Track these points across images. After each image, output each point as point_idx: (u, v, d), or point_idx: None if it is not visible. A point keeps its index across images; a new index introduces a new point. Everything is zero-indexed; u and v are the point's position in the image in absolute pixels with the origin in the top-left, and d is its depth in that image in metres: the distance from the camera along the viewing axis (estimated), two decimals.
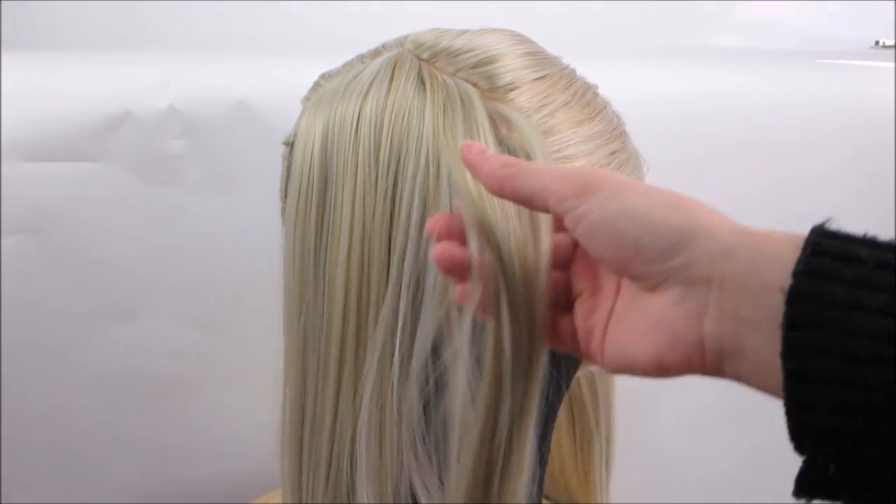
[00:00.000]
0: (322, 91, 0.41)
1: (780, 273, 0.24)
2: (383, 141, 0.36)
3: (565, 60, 0.42)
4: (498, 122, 0.36)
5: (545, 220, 0.32)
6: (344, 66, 0.43)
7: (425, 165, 0.35)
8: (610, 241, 0.28)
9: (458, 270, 0.31)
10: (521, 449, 0.33)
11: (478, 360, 0.31)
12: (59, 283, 0.67)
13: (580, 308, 0.32)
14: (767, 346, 0.24)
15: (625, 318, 0.30)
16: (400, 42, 0.41)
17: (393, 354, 0.36)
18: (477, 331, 0.31)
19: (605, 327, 0.30)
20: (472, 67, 0.38)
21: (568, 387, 0.41)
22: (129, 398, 0.71)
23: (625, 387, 0.55)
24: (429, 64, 0.39)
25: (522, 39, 0.40)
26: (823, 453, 0.24)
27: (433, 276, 0.35)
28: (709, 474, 0.76)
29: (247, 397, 0.71)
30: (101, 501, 0.73)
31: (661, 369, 0.28)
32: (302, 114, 0.42)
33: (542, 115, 0.38)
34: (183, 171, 0.67)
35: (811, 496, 0.24)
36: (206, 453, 0.73)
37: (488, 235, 0.30)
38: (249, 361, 0.69)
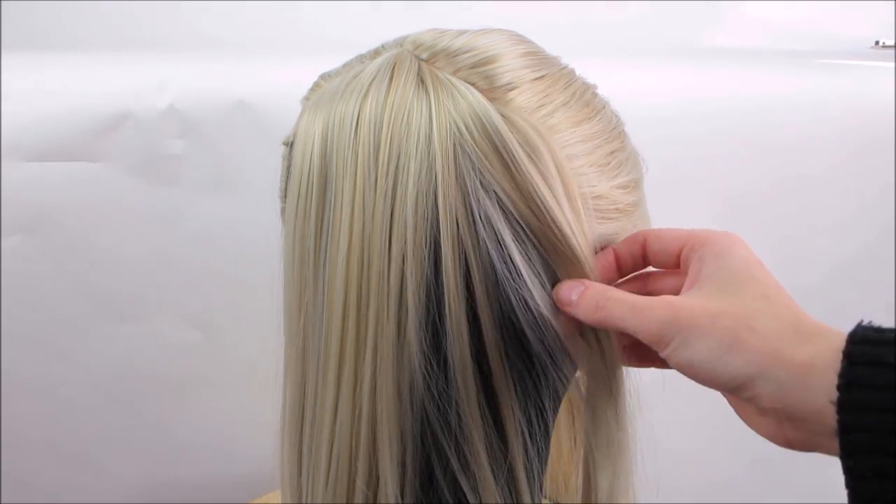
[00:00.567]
0: (322, 91, 0.41)
1: (827, 392, 0.30)
2: (383, 141, 0.36)
3: (565, 60, 0.42)
4: (508, 121, 0.36)
5: None
6: (344, 66, 0.43)
7: (425, 165, 0.35)
8: (693, 376, 0.34)
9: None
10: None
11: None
12: (59, 283, 0.68)
13: None
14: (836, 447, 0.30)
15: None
16: (399, 42, 0.41)
17: (393, 355, 0.36)
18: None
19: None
20: (472, 67, 0.38)
21: (567, 387, 0.41)
22: (129, 398, 0.71)
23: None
24: (428, 64, 0.39)
25: (521, 39, 0.40)
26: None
27: (433, 276, 0.35)
28: (709, 474, 0.77)
29: (247, 397, 0.71)
30: (101, 501, 0.73)
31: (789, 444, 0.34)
32: (302, 114, 0.42)
33: (541, 115, 0.38)
34: (183, 171, 0.67)
35: None
36: (206, 453, 0.74)
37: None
38: (249, 361, 0.69)
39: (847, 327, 0.31)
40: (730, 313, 0.33)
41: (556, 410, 0.41)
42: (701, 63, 0.75)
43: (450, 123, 0.36)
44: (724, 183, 0.72)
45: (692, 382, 0.34)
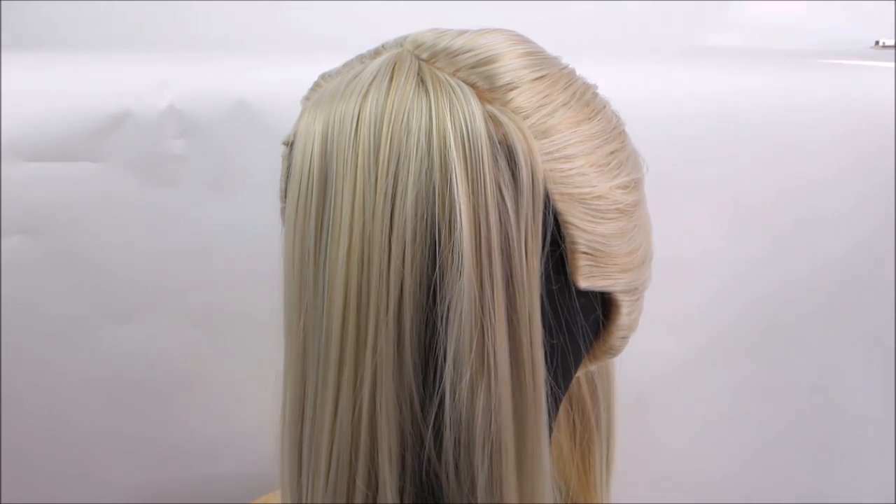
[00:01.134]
0: (322, 91, 0.41)
1: None
2: (383, 141, 0.36)
3: (565, 60, 0.42)
4: (494, 122, 0.36)
5: None
6: (344, 66, 0.43)
7: (425, 165, 0.35)
8: None
9: None
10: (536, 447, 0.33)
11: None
12: (59, 284, 0.68)
13: None
14: None
15: None
16: (400, 42, 0.41)
17: (393, 355, 0.36)
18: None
19: None
20: (472, 67, 0.38)
21: (567, 387, 0.41)
22: (129, 398, 0.71)
23: (625, 387, 0.55)
24: (428, 64, 0.39)
25: (522, 39, 0.41)
26: None
27: (433, 277, 0.35)
28: (709, 474, 0.77)
29: (247, 397, 0.71)
30: (101, 501, 0.73)
31: None
32: (301, 114, 0.42)
33: (541, 115, 0.38)
34: (183, 171, 0.67)
35: None
36: (206, 453, 0.74)
37: None
38: (249, 361, 0.69)
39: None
40: None
41: (556, 409, 0.41)
42: (701, 63, 0.75)
43: (449, 124, 0.36)
44: (724, 182, 0.72)
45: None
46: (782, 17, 0.86)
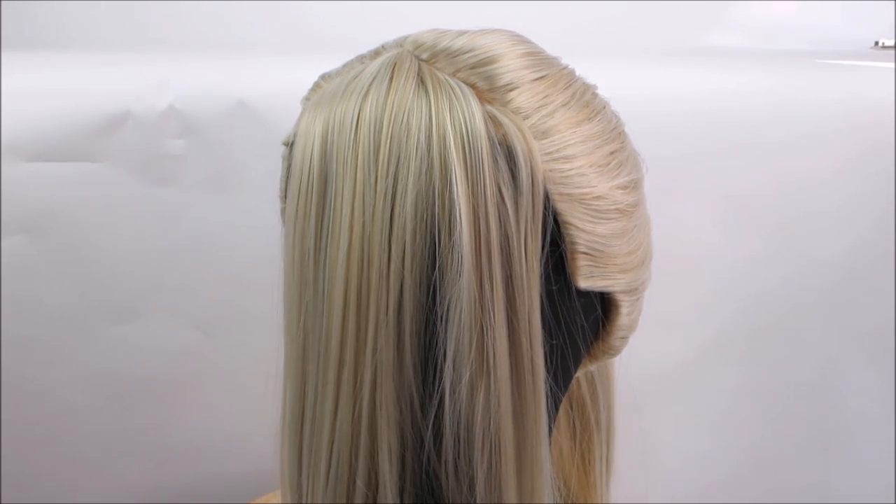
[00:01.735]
0: (322, 91, 0.41)
1: None
2: (383, 141, 0.36)
3: (565, 61, 0.42)
4: (494, 123, 0.36)
5: None
6: (344, 66, 0.43)
7: (425, 165, 0.35)
8: None
9: None
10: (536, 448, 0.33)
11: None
12: (59, 283, 0.68)
13: None
14: None
15: None
16: (400, 42, 0.41)
17: (393, 355, 0.36)
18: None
19: None
20: (472, 68, 0.38)
21: (567, 387, 0.41)
22: (129, 398, 0.71)
23: (625, 387, 0.55)
24: (428, 64, 0.39)
25: (522, 40, 0.41)
26: None
27: (433, 277, 0.35)
28: (709, 474, 0.77)
29: (247, 397, 0.71)
30: (101, 501, 0.73)
31: None
32: (301, 114, 0.42)
33: (540, 116, 0.38)
34: (183, 171, 0.67)
35: None
36: (206, 453, 0.74)
37: None
38: (249, 361, 0.69)
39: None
40: None
41: (556, 410, 0.41)
42: (701, 63, 0.75)
43: (449, 124, 0.36)
44: (724, 183, 0.72)
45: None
46: (782, 17, 0.86)
